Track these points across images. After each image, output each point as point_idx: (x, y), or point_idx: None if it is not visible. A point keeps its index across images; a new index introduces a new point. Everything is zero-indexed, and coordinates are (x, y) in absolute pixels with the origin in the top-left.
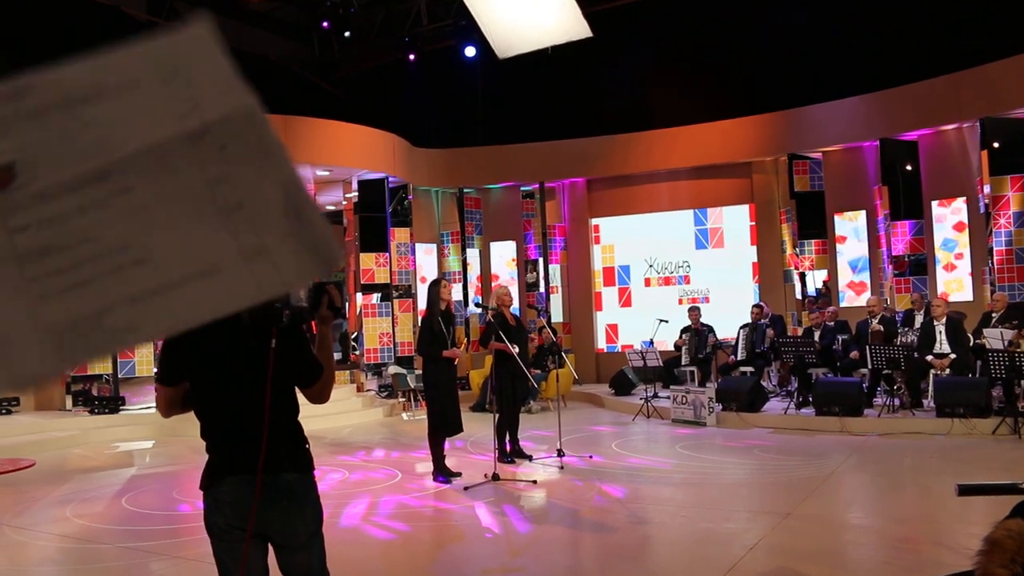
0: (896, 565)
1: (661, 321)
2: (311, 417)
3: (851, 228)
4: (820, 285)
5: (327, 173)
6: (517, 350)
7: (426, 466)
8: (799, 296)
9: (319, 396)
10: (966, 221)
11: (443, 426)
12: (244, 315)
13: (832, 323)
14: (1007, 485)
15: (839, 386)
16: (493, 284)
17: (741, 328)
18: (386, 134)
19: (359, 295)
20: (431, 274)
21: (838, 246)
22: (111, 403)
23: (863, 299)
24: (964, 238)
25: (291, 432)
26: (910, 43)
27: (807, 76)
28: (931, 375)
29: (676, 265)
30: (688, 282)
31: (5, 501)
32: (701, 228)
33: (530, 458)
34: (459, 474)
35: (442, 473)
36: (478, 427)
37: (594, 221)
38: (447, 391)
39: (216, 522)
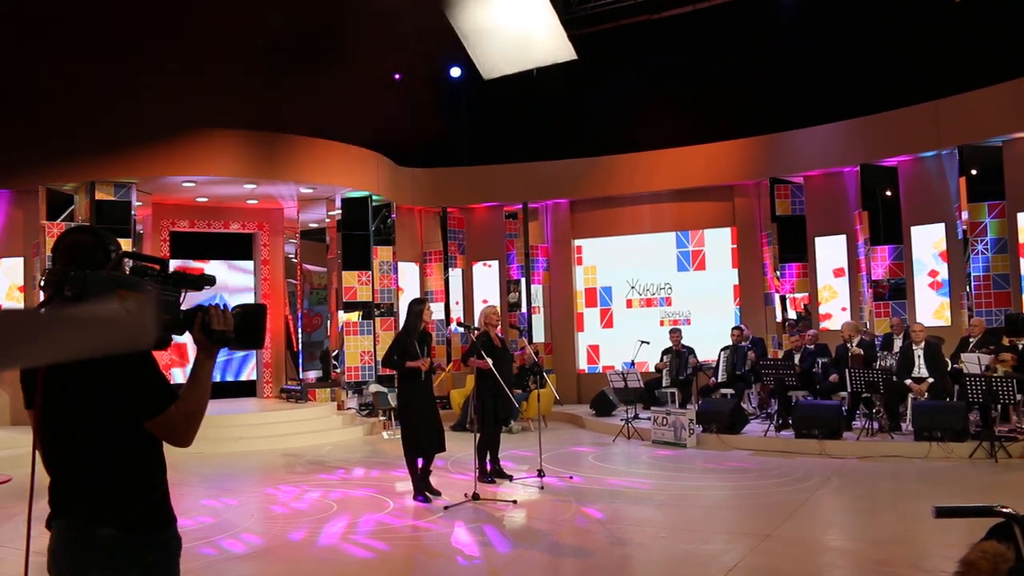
0: None
1: (642, 342)
2: (292, 435)
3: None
4: (800, 308)
5: (311, 191)
6: (491, 362)
7: (406, 485)
8: (779, 319)
9: (170, 435)
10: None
11: (416, 444)
12: None
13: (812, 346)
14: (983, 508)
15: (819, 409)
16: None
17: (722, 350)
18: (370, 153)
19: (341, 313)
20: (414, 293)
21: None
22: None
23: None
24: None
25: (113, 477)
26: (890, 71)
27: (789, 102)
28: (909, 399)
29: (658, 287)
30: (669, 304)
31: None
32: (683, 250)
33: (510, 478)
34: (439, 493)
35: (421, 492)
36: (459, 446)
37: (577, 242)
38: (422, 409)
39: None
